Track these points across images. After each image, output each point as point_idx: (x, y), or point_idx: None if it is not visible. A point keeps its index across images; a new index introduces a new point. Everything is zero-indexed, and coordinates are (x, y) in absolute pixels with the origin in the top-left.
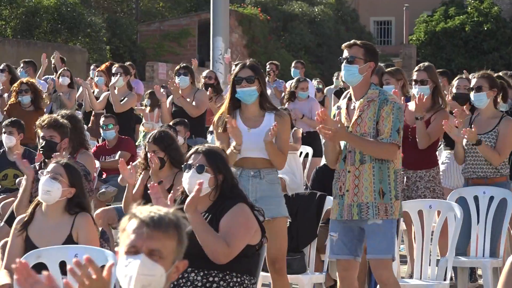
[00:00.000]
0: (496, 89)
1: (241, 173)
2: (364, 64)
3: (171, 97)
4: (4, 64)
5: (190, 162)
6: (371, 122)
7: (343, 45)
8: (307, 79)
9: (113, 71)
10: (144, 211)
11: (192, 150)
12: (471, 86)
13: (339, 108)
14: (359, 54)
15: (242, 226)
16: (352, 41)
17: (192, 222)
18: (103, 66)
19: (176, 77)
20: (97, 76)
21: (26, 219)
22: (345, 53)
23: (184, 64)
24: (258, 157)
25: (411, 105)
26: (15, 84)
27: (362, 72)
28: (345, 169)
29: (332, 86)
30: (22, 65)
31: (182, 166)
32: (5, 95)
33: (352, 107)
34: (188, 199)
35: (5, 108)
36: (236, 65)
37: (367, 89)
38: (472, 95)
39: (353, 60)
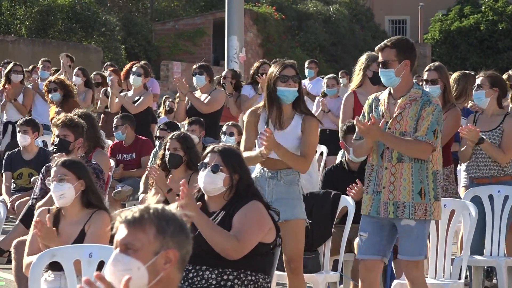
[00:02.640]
0: (498, 89)
1: (261, 172)
2: (398, 65)
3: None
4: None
5: (206, 161)
6: (412, 121)
7: (375, 49)
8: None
9: (133, 69)
10: (126, 212)
11: (209, 149)
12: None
13: (377, 99)
14: (391, 57)
15: (255, 222)
16: (383, 44)
17: (197, 223)
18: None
19: (193, 76)
20: (109, 75)
21: (53, 219)
22: (379, 58)
23: (200, 64)
24: (279, 158)
25: None
26: (45, 83)
27: (399, 73)
28: (382, 165)
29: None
30: (41, 64)
31: (198, 165)
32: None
33: (393, 103)
34: (183, 200)
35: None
36: (262, 63)
37: (408, 87)
38: (473, 92)
39: (387, 64)
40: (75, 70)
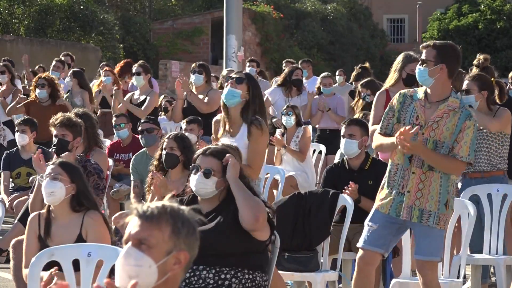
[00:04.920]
0: (487, 91)
1: None
2: (434, 66)
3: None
4: (2, 64)
5: (197, 163)
6: (448, 132)
7: (421, 46)
8: (312, 77)
9: (134, 70)
10: (143, 206)
11: (200, 151)
12: (462, 88)
13: (410, 97)
14: (430, 56)
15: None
16: (428, 42)
17: (233, 188)
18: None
19: (192, 74)
20: (104, 76)
21: (45, 220)
22: (421, 55)
23: (201, 63)
24: None
25: None
26: (34, 79)
27: (433, 75)
28: (409, 169)
29: (336, 84)
30: (54, 63)
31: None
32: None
33: (428, 107)
34: (229, 169)
35: (22, 104)
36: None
37: (444, 93)
38: (462, 97)
39: (424, 62)
40: (69, 72)
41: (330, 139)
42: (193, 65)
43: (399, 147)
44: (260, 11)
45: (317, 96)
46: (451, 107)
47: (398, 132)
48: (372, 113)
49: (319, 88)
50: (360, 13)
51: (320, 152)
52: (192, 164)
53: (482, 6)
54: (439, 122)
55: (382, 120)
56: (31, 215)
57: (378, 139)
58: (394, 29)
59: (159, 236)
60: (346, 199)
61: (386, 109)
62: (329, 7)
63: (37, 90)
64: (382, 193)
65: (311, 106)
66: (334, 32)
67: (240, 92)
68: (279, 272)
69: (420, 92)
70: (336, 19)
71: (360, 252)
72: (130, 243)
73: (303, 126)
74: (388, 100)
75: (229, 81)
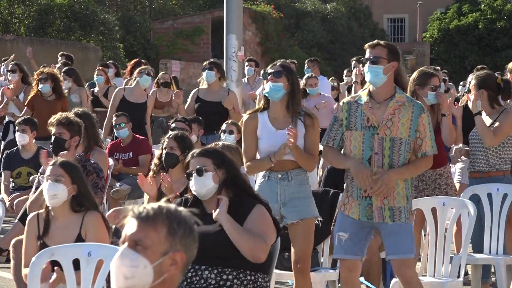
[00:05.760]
0: (485, 91)
1: (269, 175)
2: (388, 64)
3: (194, 91)
4: (13, 63)
5: (190, 169)
6: (404, 128)
7: (366, 45)
8: (319, 76)
9: (142, 70)
10: (139, 207)
11: (188, 156)
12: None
13: (355, 103)
14: (382, 54)
15: (268, 226)
16: (375, 41)
17: (227, 229)
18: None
19: (203, 72)
20: (96, 75)
21: (44, 220)
22: (368, 54)
23: (211, 60)
24: (286, 159)
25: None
26: (36, 73)
27: (387, 72)
28: (371, 171)
29: (343, 83)
30: (60, 58)
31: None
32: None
33: (377, 107)
34: (216, 212)
35: (27, 102)
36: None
37: (391, 91)
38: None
39: (377, 61)
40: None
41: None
42: (204, 63)
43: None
44: (261, 10)
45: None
46: (400, 102)
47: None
48: None
49: (304, 90)
50: (360, 12)
51: (320, 152)
52: (186, 172)
53: (483, 6)
54: (392, 119)
55: (328, 132)
56: (30, 215)
57: (329, 154)
58: (394, 28)
59: (154, 237)
60: None
61: (332, 121)
62: (329, 7)
63: (40, 85)
64: (346, 200)
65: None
66: (334, 32)
67: (281, 84)
68: (279, 272)
69: (364, 96)
70: (336, 19)
71: (339, 262)
72: (126, 244)
73: None
74: None
75: (268, 77)
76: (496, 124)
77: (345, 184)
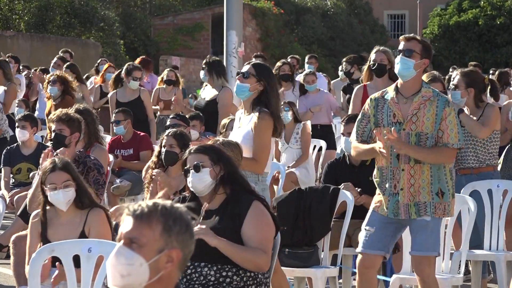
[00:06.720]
0: (473, 88)
1: None
2: (420, 60)
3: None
4: None
5: (187, 166)
6: (429, 122)
7: (401, 37)
8: (317, 72)
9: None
10: (135, 205)
11: (185, 153)
12: (452, 82)
13: (382, 99)
14: (416, 49)
15: (267, 226)
16: (411, 35)
17: (222, 249)
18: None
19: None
20: (107, 72)
21: (41, 220)
22: (402, 46)
23: (206, 60)
24: None
25: None
26: (47, 77)
27: (417, 68)
28: (399, 167)
29: (338, 79)
30: (55, 60)
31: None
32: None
33: (403, 102)
34: (200, 230)
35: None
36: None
37: (418, 86)
38: (450, 92)
39: (410, 54)
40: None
41: (322, 134)
42: (204, 61)
43: (381, 151)
44: (261, 6)
45: (299, 100)
46: (425, 97)
47: (380, 137)
48: (350, 107)
49: (303, 86)
50: (360, 8)
51: (320, 149)
52: (184, 169)
53: (483, 2)
54: (417, 114)
55: (356, 128)
56: (34, 213)
57: (356, 148)
58: (394, 24)
59: (149, 235)
60: (346, 195)
61: (359, 117)
62: (329, 3)
63: (49, 87)
64: (376, 198)
65: (299, 104)
66: (335, 28)
67: (248, 85)
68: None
69: (390, 91)
70: (336, 15)
71: (360, 256)
72: (121, 242)
73: (302, 122)
74: (366, 95)
75: (237, 76)
76: (482, 118)
77: (376, 183)
